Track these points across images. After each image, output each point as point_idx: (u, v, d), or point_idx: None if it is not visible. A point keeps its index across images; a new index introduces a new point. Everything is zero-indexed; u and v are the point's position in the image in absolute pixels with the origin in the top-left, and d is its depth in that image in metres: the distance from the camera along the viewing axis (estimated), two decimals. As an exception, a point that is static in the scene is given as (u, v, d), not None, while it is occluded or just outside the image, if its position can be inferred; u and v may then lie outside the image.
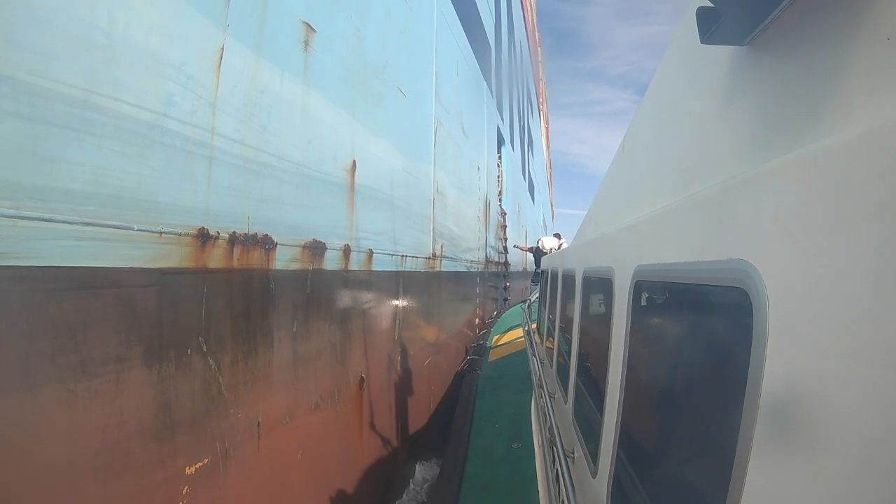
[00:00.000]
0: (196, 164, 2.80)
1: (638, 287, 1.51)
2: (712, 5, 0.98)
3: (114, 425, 2.30)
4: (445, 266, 8.03)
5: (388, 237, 5.44)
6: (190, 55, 2.70)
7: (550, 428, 2.58)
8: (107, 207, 2.29)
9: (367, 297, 4.94)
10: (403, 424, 5.96)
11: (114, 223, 2.33)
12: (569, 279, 3.23)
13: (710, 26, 1.03)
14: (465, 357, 8.65)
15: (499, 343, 9.01)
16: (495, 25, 15.00)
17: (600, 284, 2.17)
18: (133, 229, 2.44)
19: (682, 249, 1.18)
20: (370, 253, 4.93)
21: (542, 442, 3.93)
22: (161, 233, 2.60)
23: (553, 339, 3.89)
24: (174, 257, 2.70)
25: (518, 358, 7.65)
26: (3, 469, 1.88)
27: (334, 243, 4.24)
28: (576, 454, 2.30)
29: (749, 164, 0.96)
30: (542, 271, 5.90)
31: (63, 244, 2.08)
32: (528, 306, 8.04)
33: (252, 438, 3.26)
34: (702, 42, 1.05)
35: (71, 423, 2.12)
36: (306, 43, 3.80)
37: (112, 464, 2.28)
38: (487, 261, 12.29)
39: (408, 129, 6.27)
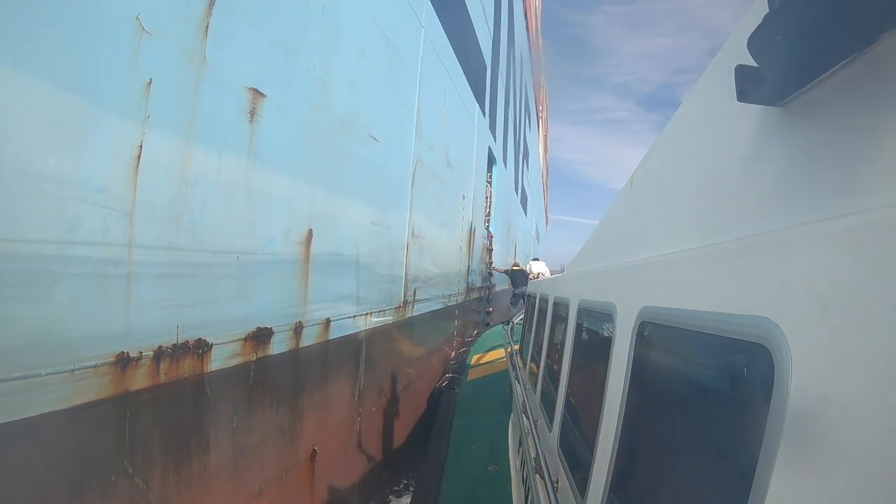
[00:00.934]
0: (112, 287, 2.57)
1: (642, 328, 1.52)
2: (755, 65, 0.99)
3: None
4: (419, 309, 7.81)
5: (350, 299, 5.22)
6: (99, 165, 2.46)
7: (536, 457, 2.53)
8: (10, 360, 2.09)
9: (322, 367, 4.73)
10: (361, 483, 5.76)
11: (18, 374, 2.14)
12: (561, 307, 3.21)
13: (749, 86, 1.03)
14: (444, 374, 8.56)
15: (478, 363, 8.98)
16: (493, 42, 14.71)
17: (598, 319, 2.20)
18: (41, 375, 2.24)
19: (696, 297, 1.21)
20: (327, 322, 4.71)
21: (520, 466, 3.92)
22: (73, 370, 2.39)
23: (538, 365, 3.83)
24: (90, 391, 2.51)
25: (497, 379, 7.73)
26: None
27: (283, 325, 4.02)
28: (559, 483, 2.31)
29: (772, 224, 0.98)
30: (530, 295, 5.90)
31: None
32: (511, 328, 8.02)
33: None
34: (739, 100, 1.05)
35: None
36: (252, 112, 3.54)
37: None
38: (469, 289, 12.09)
39: (380, 177, 6.03)
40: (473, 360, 9.19)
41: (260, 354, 3.75)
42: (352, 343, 5.33)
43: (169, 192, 2.87)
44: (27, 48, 2.13)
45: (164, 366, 2.92)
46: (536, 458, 2.51)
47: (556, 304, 3.53)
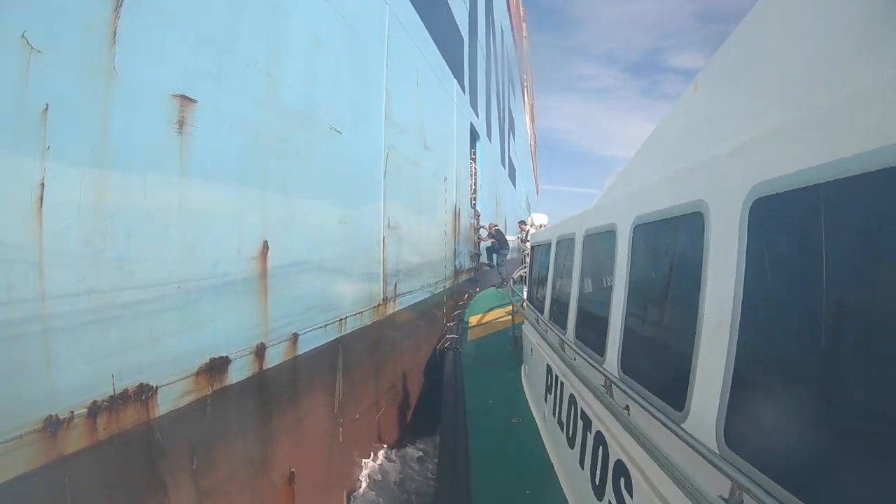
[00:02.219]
0: (27, 348, 2.27)
1: (752, 223, 1.57)
2: None
3: None
4: (403, 303, 7.55)
5: (319, 308, 4.92)
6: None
7: (606, 382, 2.54)
8: None
9: (292, 386, 4.47)
10: (347, 483, 5.62)
11: None
12: (600, 236, 3.15)
13: None
14: (443, 336, 8.50)
15: (477, 323, 9.02)
16: (469, 13, 14.04)
17: (665, 232, 2.25)
18: None
19: None
20: (294, 338, 4.43)
21: (553, 412, 3.94)
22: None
23: (570, 304, 3.76)
24: (20, 463, 2.26)
25: (498, 338, 7.89)
26: None
27: (242, 350, 3.73)
28: (630, 409, 2.33)
29: None
30: (538, 245, 5.91)
31: None
32: (511, 287, 8.34)
33: None
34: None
35: None
36: (181, 122, 3.14)
37: None
38: (457, 272, 11.84)
39: (346, 172, 5.65)
40: (471, 321, 9.15)
41: (217, 387, 3.47)
42: (326, 353, 5.07)
43: (84, 231, 2.52)
44: None
45: (101, 421, 2.64)
46: (606, 383, 2.50)
47: (591, 235, 3.43)
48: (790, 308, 1.46)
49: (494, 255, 14.47)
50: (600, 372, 2.62)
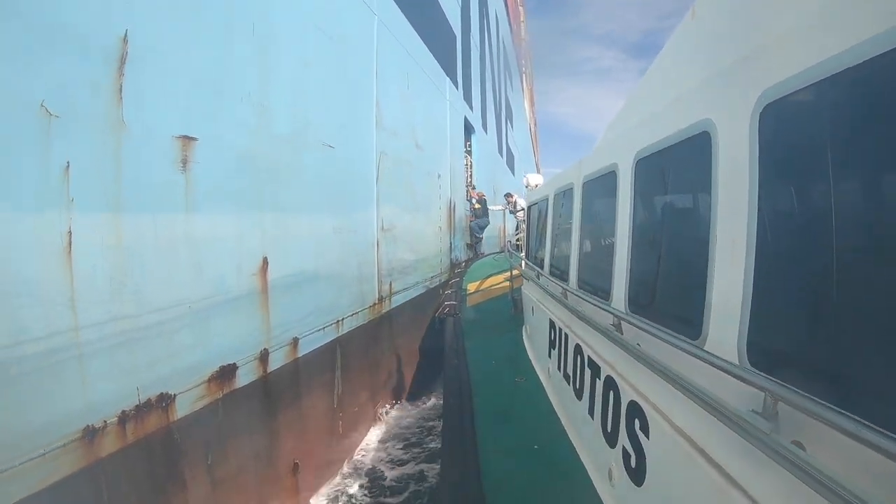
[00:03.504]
0: (66, 371, 2.70)
1: (762, 156, 1.55)
2: None
3: None
4: (398, 301, 7.97)
5: (317, 312, 5.35)
6: (31, 268, 2.53)
7: (615, 321, 2.54)
8: None
9: (294, 385, 4.92)
10: (345, 469, 6.12)
11: None
12: (601, 180, 3.09)
13: None
14: (442, 303, 8.73)
15: (475, 290, 9.20)
16: (462, 8, 14.17)
17: (671, 167, 2.25)
18: (15, 465, 2.42)
19: None
20: (295, 342, 4.87)
21: (560, 367, 3.87)
22: (44, 454, 2.57)
23: (571, 255, 3.75)
24: (64, 467, 2.72)
25: (497, 303, 8.01)
26: None
27: (247, 357, 4.17)
28: (642, 345, 2.29)
29: None
30: (534, 205, 5.93)
31: None
32: (509, 251, 8.45)
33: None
34: None
35: None
36: (185, 161, 3.53)
37: None
38: (453, 265, 12.23)
39: (339, 182, 6.02)
40: (469, 287, 9.33)
41: (227, 390, 3.92)
42: (325, 353, 5.52)
43: (107, 268, 2.94)
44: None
45: (130, 427, 3.08)
46: (615, 321, 2.50)
47: (591, 181, 3.38)
48: (808, 216, 1.44)
49: (476, 221, 14.63)
50: (608, 311, 2.60)
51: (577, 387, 3.35)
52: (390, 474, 6.36)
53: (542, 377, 4.71)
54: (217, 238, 3.86)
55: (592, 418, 2.96)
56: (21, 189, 2.51)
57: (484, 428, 3.92)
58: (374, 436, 6.94)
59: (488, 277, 9.56)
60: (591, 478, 2.94)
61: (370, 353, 6.87)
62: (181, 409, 3.48)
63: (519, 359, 5.47)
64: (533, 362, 5.22)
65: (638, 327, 2.20)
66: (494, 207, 15.61)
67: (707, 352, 1.61)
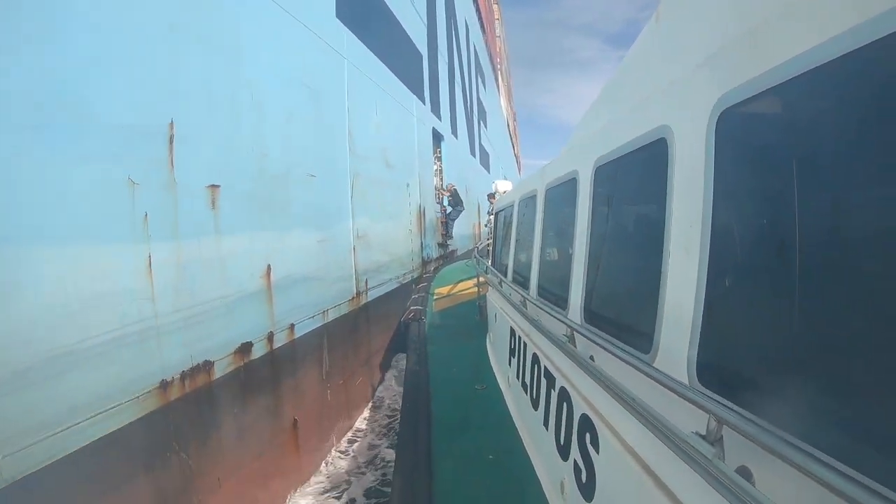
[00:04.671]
0: (149, 344, 4.29)
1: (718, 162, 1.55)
2: None
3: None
4: (373, 294, 9.60)
5: (308, 305, 6.99)
6: (129, 279, 4.13)
7: (568, 332, 2.54)
8: (111, 401, 3.82)
9: (291, 360, 6.56)
10: (335, 429, 7.78)
11: (112, 405, 3.87)
12: (562, 186, 3.13)
13: None
14: (408, 308, 8.97)
15: (442, 295, 9.21)
16: (428, 26, 15.72)
17: (636, 170, 2.22)
18: (123, 402, 3.99)
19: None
20: (291, 327, 6.50)
21: (517, 376, 3.87)
22: (138, 396, 4.16)
23: (533, 263, 3.81)
24: (151, 404, 4.27)
25: (463, 308, 7.96)
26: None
27: (259, 336, 5.80)
28: (595, 359, 2.27)
29: None
30: (500, 211, 5.90)
31: (74, 437, 3.61)
32: (476, 257, 8.44)
33: (215, 491, 4.96)
34: None
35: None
36: (213, 202, 5.14)
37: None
38: (425, 262, 13.89)
39: (321, 203, 7.63)
40: (436, 292, 9.43)
41: (246, 360, 5.55)
42: (315, 337, 7.16)
43: (172, 277, 4.53)
44: (56, 233, 3.73)
45: (187, 382, 4.69)
46: (568, 332, 2.50)
47: (553, 188, 3.42)
48: (763, 226, 1.39)
49: (450, 212, 16.48)
50: (563, 322, 2.59)
51: (534, 396, 3.33)
52: (370, 433, 8.08)
53: (502, 385, 4.70)
54: (236, 253, 5.46)
55: (547, 429, 2.93)
56: (121, 231, 4.10)
57: (439, 435, 3.90)
58: (354, 403, 8.62)
59: (457, 283, 9.59)
60: (545, 490, 2.93)
61: (351, 337, 8.52)
62: (218, 372, 5.10)
63: (481, 366, 5.48)
64: (494, 370, 5.24)
65: (589, 339, 2.18)
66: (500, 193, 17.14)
67: (655, 368, 1.59)
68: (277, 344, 6.17)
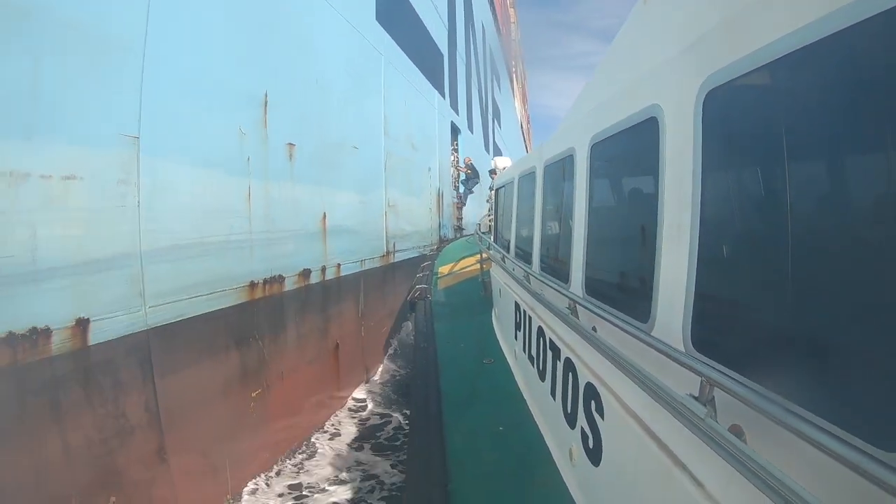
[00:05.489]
0: (245, 252, 5.85)
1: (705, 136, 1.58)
2: None
3: (228, 376, 5.52)
4: (399, 257, 11.16)
5: (351, 252, 8.54)
6: (235, 202, 5.70)
7: (570, 303, 2.59)
8: (214, 283, 5.38)
9: (337, 293, 8.12)
10: (365, 364, 9.33)
11: (214, 291, 5.43)
12: (559, 164, 3.20)
13: None
14: (413, 286, 9.29)
15: (446, 273, 9.51)
16: (448, 30, 17.32)
17: (628, 147, 2.28)
18: (225, 290, 5.56)
19: None
20: (338, 266, 8.06)
21: (524, 349, 3.95)
22: (235, 288, 5.72)
23: (534, 238, 3.91)
24: (243, 297, 5.82)
25: (468, 285, 8.30)
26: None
27: (315, 267, 7.35)
28: (597, 329, 2.32)
29: None
30: (501, 187, 6.10)
31: (205, 300, 5.18)
32: (479, 234, 8.73)
33: (279, 379, 6.51)
34: None
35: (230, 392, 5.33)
36: (291, 156, 6.72)
37: (228, 392, 5.51)
38: (442, 240, 15.42)
39: (362, 171, 9.20)
40: (440, 270, 9.65)
41: (306, 283, 7.10)
42: (354, 279, 8.71)
43: (262, 206, 6.09)
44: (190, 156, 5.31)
45: (266, 287, 6.24)
46: (571, 305, 2.57)
47: (551, 164, 3.51)
48: (749, 201, 1.49)
49: (467, 184, 18.05)
50: (565, 296, 2.66)
51: (541, 368, 3.42)
52: (392, 368, 9.61)
53: (509, 359, 4.80)
54: (303, 199, 7.03)
55: (554, 399, 3.01)
56: (233, 166, 5.66)
57: (450, 409, 3.95)
58: (381, 347, 10.18)
59: (460, 260, 9.85)
60: (554, 458, 3.02)
61: (380, 287, 10.08)
62: (287, 286, 6.66)
63: (488, 341, 5.57)
64: (501, 344, 5.35)
65: (591, 311, 2.25)
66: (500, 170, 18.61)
67: (653, 337, 1.67)
68: (328, 276, 7.73)
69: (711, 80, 1.49)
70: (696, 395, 1.34)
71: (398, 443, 6.88)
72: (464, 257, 9.95)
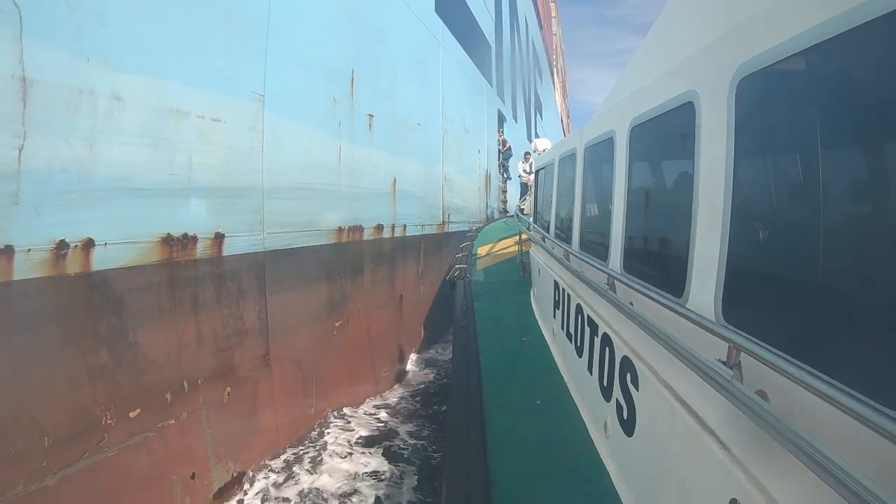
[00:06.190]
0: (334, 200, 7.01)
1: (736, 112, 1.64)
2: None
3: (319, 304, 6.71)
4: (452, 227, 12.20)
5: (414, 216, 9.65)
6: (329, 158, 6.85)
7: (608, 279, 2.65)
8: (310, 224, 6.55)
9: (403, 250, 9.24)
10: (422, 316, 10.43)
11: (313, 229, 6.61)
12: (603, 144, 3.22)
13: None
14: (453, 266, 9.43)
15: (485, 254, 9.78)
16: (496, 22, 18.23)
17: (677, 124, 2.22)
18: (321, 230, 6.73)
19: None
20: (404, 227, 9.17)
21: (562, 327, 4.08)
22: (327, 230, 6.89)
23: (575, 217, 3.99)
24: (333, 238, 6.98)
25: (506, 266, 8.67)
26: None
27: (387, 224, 8.49)
28: (635, 304, 2.36)
29: None
30: (542, 169, 6.23)
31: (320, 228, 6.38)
32: (518, 215, 9.04)
33: (357, 315, 7.66)
34: None
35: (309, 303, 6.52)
36: (370, 125, 7.87)
37: (318, 318, 6.69)
38: (489, 218, 16.39)
39: (424, 146, 10.30)
40: (479, 251, 9.93)
41: (378, 236, 8.23)
42: (416, 241, 9.82)
43: (348, 165, 7.24)
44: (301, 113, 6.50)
45: (350, 234, 7.39)
46: (609, 281, 2.63)
47: (591, 146, 3.55)
48: (779, 183, 1.56)
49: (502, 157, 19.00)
50: (604, 272, 2.72)
51: (578, 344, 3.49)
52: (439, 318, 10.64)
53: (547, 337, 4.89)
54: (379, 163, 8.17)
55: (591, 374, 3.10)
56: (328, 128, 6.82)
57: (490, 384, 4.03)
58: (434, 303, 11.26)
59: (499, 241, 10.14)
60: (590, 430, 3.11)
61: (436, 252, 11.16)
62: (365, 236, 7.80)
63: (526, 319, 5.73)
64: (539, 322, 5.50)
65: (628, 286, 2.35)
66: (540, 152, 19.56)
67: (686, 308, 1.76)
68: (396, 234, 8.86)
69: (744, 68, 1.55)
70: (724, 359, 1.41)
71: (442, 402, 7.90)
72: (502, 238, 10.26)
